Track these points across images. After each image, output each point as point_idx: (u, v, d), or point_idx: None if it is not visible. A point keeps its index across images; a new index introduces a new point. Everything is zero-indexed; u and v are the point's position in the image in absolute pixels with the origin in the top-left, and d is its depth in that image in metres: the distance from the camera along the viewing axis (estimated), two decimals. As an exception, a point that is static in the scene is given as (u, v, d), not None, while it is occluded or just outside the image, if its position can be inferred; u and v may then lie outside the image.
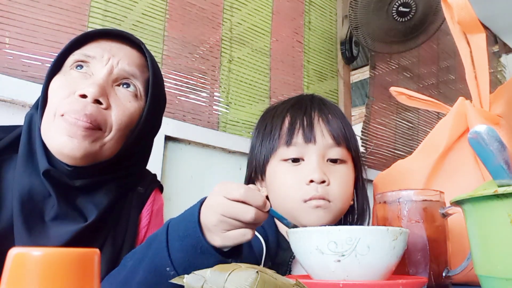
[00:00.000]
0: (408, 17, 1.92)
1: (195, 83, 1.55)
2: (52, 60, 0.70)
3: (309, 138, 0.73)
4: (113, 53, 0.68)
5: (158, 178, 0.86)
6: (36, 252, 0.25)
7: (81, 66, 0.67)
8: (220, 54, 1.65)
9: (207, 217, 0.51)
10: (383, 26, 1.94)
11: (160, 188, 0.84)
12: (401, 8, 1.90)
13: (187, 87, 1.52)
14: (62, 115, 0.63)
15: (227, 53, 1.68)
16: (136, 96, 0.70)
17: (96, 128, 0.64)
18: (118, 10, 1.37)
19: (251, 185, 0.53)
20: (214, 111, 1.61)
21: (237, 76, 1.69)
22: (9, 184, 0.65)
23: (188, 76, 1.53)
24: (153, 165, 1.33)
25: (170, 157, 1.43)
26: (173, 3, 1.52)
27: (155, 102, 0.73)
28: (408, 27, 1.94)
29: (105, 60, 0.67)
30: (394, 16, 1.92)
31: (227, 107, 1.65)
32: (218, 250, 0.51)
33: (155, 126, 0.78)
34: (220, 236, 0.51)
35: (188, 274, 0.49)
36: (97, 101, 0.64)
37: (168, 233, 0.53)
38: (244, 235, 0.51)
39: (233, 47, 1.70)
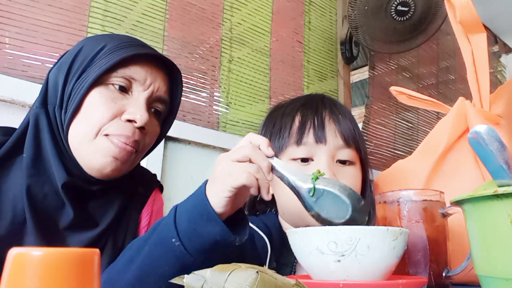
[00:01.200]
0: (407, 16, 1.92)
1: (195, 83, 1.55)
2: (73, 57, 0.67)
3: (320, 138, 0.72)
4: (153, 79, 0.69)
5: (158, 178, 0.86)
6: (36, 252, 0.25)
7: (122, 86, 0.66)
8: (220, 54, 1.65)
9: (216, 168, 0.54)
10: (382, 25, 1.94)
11: (160, 188, 0.84)
12: (399, 7, 1.90)
13: (187, 87, 1.52)
14: (106, 135, 0.64)
15: (227, 53, 1.68)
16: (159, 119, 0.73)
17: (135, 151, 0.67)
18: (118, 10, 1.37)
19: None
20: (214, 111, 1.61)
21: (237, 76, 1.69)
22: (9, 190, 0.63)
23: (188, 76, 1.53)
24: (153, 165, 1.33)
25: (170, 157, 1.43)
26: (173, 3, 1.52)
27: (172, 123, 0.78)
28: (407, 26, 1.94)
29: (147, 84, 0.68)
30: (393, 15, 1.92)
31: (227, 107, 1.65)
32: (224, 221, 0.52)
33: None
34: (221, 179, 0.52)
35: (192, 244, 0.50)
36: (141, 127, 0.66)
37: (176, 211, 0.54)
38: (244, 171, 0.51)
39: (233, 47, 1.70)
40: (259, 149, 0.54)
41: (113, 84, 0.66)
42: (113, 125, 0.64)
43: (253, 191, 0.52)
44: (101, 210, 0.69)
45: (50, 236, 0.63)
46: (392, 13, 1.91)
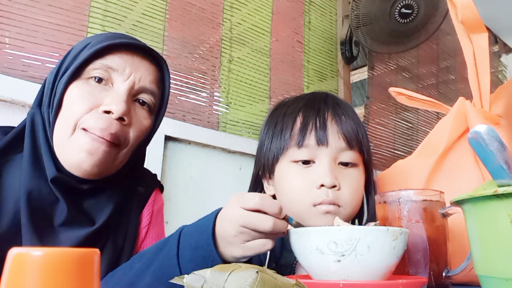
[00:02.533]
0: (410, 19, 1.92)
1: (195, 83, 1.55)
2: (62, 59, 0.68)
3: (322, 140, 0.71)
4: (135, 68, 0.67)
5: (158, 178, 0.86)
6: (36, 252, 0.25)
7: (101, 78, 0.65)
8: (220, 54, 1.65)
9: (225, 229, 0.52)
10: (385, 27, 1.95)
11: (161, 188, 0.84)
12: (403, 10, 1.90)
13: (187, 87, 1.53)
14: (84, 129, 0.63)
15: (227, 53, 1.68)
16: (149, 111, 0.71)
17: (115, 145, 0.65)
18: (118, 10, 1.37)
19: (264, 194, 0.53)
20: (214, 111, 1.61)
21: (237, 76, 1.69)
22: (11, 187, 0.64)
23: (188, 76, 1.53)
24: (153, 165, 1.33)
25: (170, 157, 1.43)
26: (173, 3, 1.52)
27: (163, 115, 0.76)
28: (409, 28, 1.95)
29: (126, 74, 0.66)
30: (397, 18, 1.92)
31: (227, 107, 1.65)
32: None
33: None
34: (240, 247, 0.51)
35: None
36: (120, 118, 0.64)
37: (179, 241, 0.53)
38: (264, 245, 0.51)
39: (233, 47, 1.70)
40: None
41: (92, 78, 0.65)
42: (89, 117, 0.63)
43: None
44: (97, 208, 0.69)
45: (43, 232, 0.63)
46: (396, 15, 1.92)
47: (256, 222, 0.50)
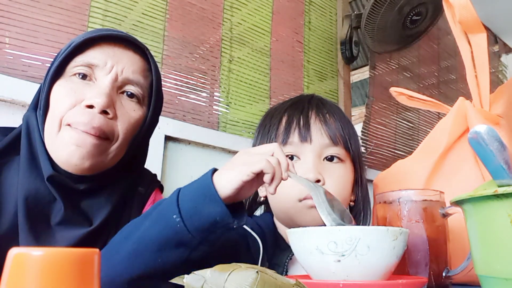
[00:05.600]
0: (418, 23, 1.95)
1: (195, 83, 1.55)
2: (52, 60, 0.69)
3: (305, 137, 0.73)
4: (117, 60, 0.67)
5: (158, 178, 0.86)
6: (36, 252, 0.25)
7: (84, 74, 0.65)
8: (220, 54, 1.65)
9: (236, 158, 0.56)
10: (395, 35, 1.98)
11: (161, 188, 0.84)
12: (414, 17, 1.93)
13: (187, 87, 1.52)
14: (69, 125, 0.63)
15: (227, 53, 1.68)
16: (139, 103, 0.70)
17: (103, 139, 0.64)
18: (118, 10, 1.37)
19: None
20: (214, 111, 1.61)
21: (237, 76, 1.69)
22: (11, 187, 0.64)
23: (188, 76, 1.53)
24: (153, 165, 1.33)
25: (170, 157, 1.43)
26: (173, 3, 1.52)
27: (157, 106, 0.75)
28: (416, 32, 1.98)
29: (108, 67, 0.66)
30: (407, 25, 1.95)
31: (227, 107, 1.65)
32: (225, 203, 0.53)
33: (155, 126, 0.78)
34: (241, 164, 0.54)
35: (193, 221, 0.52)
36: (104, 112, 0.64)
37: (179, 192, 0.55)
38: (264, 160, 0.53)
39: (233, 47, 1.70)
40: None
41: (76, 75, 0.65)
42: (72, 113, 0.63)
43: (267, 178, 0.53)
44: (95, 209, 0.69)
45: (39, 230, 0.63)
46: (407, 23, 1.94)
47: (263, 145, 0.56)
